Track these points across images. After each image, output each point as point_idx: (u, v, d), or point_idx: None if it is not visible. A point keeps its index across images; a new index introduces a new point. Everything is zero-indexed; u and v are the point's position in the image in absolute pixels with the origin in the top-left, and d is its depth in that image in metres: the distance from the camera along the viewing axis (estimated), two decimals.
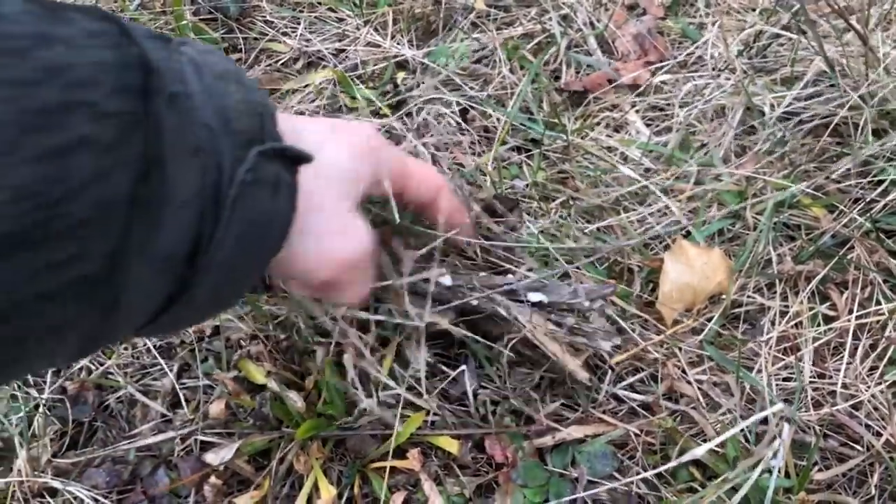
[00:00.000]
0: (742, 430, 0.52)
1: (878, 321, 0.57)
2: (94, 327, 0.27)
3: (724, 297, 0.59)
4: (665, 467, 0.44)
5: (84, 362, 0.58)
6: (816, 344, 0.57)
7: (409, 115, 0.73)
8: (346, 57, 0.79)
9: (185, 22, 0.78)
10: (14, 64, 0.23)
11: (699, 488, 0.50)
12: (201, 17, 0.81)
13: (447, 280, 0.54)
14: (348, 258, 0.39)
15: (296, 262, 0.37)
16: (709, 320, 0.59)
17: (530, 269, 0.60)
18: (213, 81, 0.31)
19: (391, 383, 0.51)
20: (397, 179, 0.44)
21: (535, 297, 0.54)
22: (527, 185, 0.67)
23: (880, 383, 0.55)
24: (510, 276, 0.57)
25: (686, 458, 0.41)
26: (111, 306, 0.27)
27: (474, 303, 0.54)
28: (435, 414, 0.53)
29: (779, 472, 0.46)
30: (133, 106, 0.26)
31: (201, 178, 0.29)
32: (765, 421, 0.52)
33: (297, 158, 0.34)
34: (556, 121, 0.72)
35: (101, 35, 0.27)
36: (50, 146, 0.23)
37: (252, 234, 0.31)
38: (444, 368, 0.55)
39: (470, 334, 0.54)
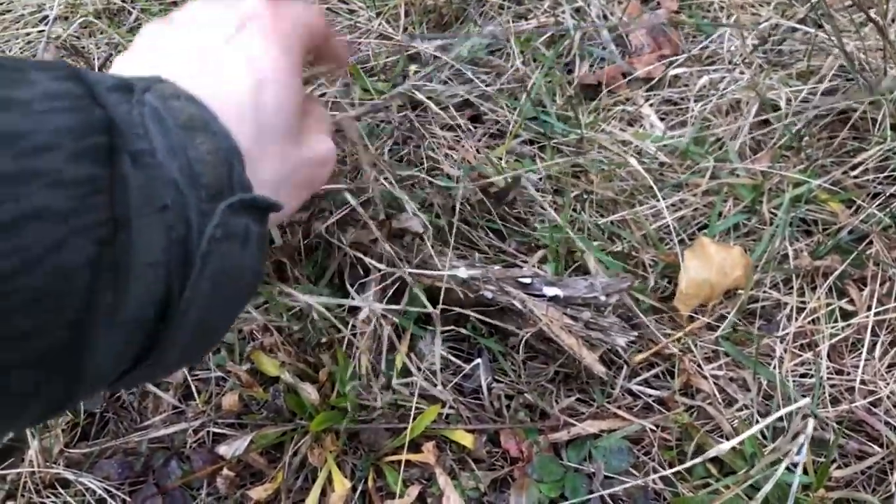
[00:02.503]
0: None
1: None
2: (59, 394, 0.26)
3: (740, 292, 0.59)
4: (684, 466, 0.43)
5: None
6: (834, 340, 0.57)
7: (418, 106, 0.72)
8: (358, 49, 0.78)
9: None
10: None
11: (715, 483, 0.49)
12: None
13: (463, 273, 0.54)
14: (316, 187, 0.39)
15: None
16: (725, 316, 0.58)
17: (543, 261, 0.60)
18: (179, 133, 0.30)
19: (412, 369, 0.51)
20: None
21: (550, 291, 0.54)
22: (540, 179, 0.67)
23: None
24: (525, 269, 0.56)
25: (711, 453, 0.40)
26: (76, 373, 0.26)
27: (489, 295, 0.53)
28: (450, 407, 0.52)
29: (801, 467, 0.45)
30: (95, 170, 0.25)
31: (168, 235, 0.28)
32: (782, 417, 0.51)
33: (267, 208, 0.33)
34: (569, 114, 0.72)
35: (62, 97, 0.26)
36: (2, 220, 0.22)
37: (222, 288, 0.31)
38: (459, 362, 0.55)
39: (484, 318, 0.54)
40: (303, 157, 0.38)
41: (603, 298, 0.53)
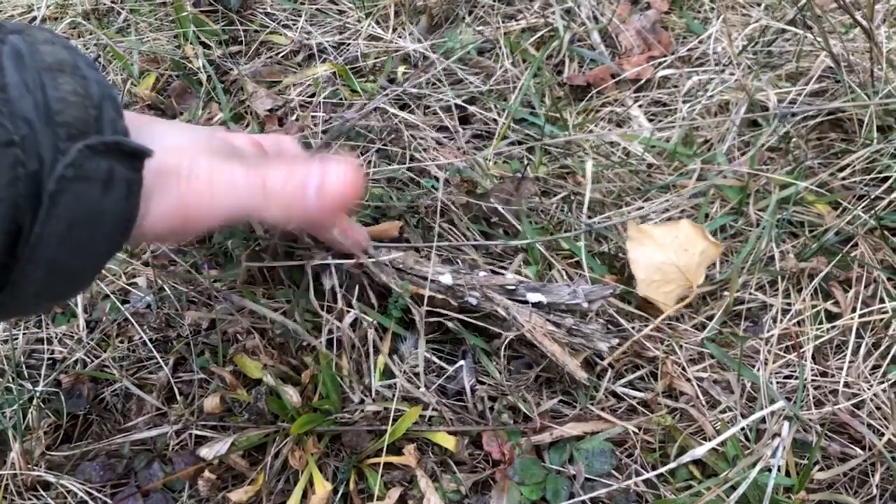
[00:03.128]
0: (742, 429, 0.52)
1: (881, 319, 0.57)
2: None
3: (726, 294, 0.59)
4: (665, 469, 0.43)
5: (79, 355, 0.57)
6: (818, 342, 0.57)
7: (406, 107, 0.72)
8: (347, 50, 0.78)
9: (185, 14, 0.78)
10: None
11: (697, 486, 0.49)
12: (202, 8, 0.81)
13: (447, 279, 0.53)
14: (224, 213, 0.37)
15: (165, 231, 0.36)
16: (710, 318, 0.58)
17: (527, 264, 0.60)
18: (40, 72, 0.29)
19: (395, 370, 0.51)
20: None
21: (534, 297, 0.54)
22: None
23: (882, 382, 0.54)
24: (509, 276, 0.56)
25: (686, 458, 0.40)
26: None
27: (474, 302, 0.53)
28: (433, 409, 0.52)
29: (779, 470, 0.45)
30: None
31: (13, 170, 0.27)
32: (765, 419, 0.51)
33: (134, 153, 0.32)
34: (558, 115, 0.72)
35: None
36: None
37: (80, 229, 0.30)
38: (442, 364, 0.55)
39: (468, 319, 0.53)
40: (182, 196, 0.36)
41: (585, 305, 0.53)
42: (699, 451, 0.40)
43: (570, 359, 0.52)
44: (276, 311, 0.55)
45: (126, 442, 0.53)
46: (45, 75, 0.29)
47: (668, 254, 0.58)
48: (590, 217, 0.64)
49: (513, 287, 0.53)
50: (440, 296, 0.53)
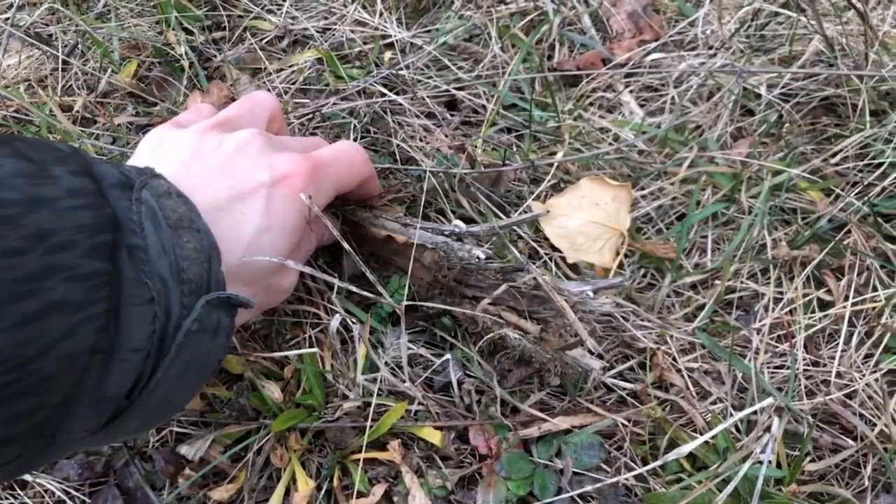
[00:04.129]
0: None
1: (874, 308, 0.56)
2: (28, 461, 0.29)
3: (717, 282, 0.58)
4: (656, 464, 0.42)
5: None
6: (811, 331, 0.56)
7: (396, 93, 0.71)
8: (333, 35, 0.77)
9: None
10: (5, 234, 0.24)
11: (688, 479, 0.48)
12: None
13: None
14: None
15: None
16: (701, 307, 0.57)
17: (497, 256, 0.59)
18: (169, 232, 0.32)
19: (380, 364, 0.50)
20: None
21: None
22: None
23: (875, 372, 0.53)
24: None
25: (673, 455, 0.39)
26: (49, 443, 0.28)
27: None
28: (419, 403, 0.51)
29: (770, 464, 0.44)
30: (103, 265, 0.28)
31: (152, 324, 0.30)
32: (756, 410, 0.50)
33: (237, 304, 0.36)
34: (548, 101, 0.70)
35: (80, 194, 0.28)
36: (27, 312, 0.24)
37: (188, 373, 0.33)
38: (429, 356, 0.54)
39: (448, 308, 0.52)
40: (270, 285, 0.43)
41: (591, 294, 0.52)
42: (690, 446, 0.39)
43: (581, 326, 0.51)
44: None
45: None
46: (173, 234, 0.33)
47: (581, 215, 0.59)
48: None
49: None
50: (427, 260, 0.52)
